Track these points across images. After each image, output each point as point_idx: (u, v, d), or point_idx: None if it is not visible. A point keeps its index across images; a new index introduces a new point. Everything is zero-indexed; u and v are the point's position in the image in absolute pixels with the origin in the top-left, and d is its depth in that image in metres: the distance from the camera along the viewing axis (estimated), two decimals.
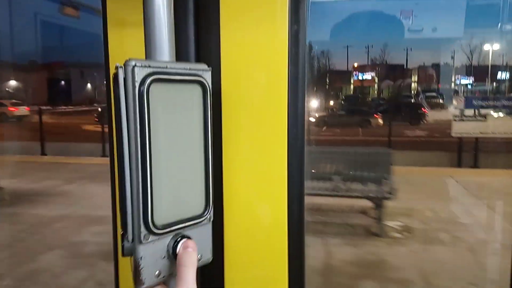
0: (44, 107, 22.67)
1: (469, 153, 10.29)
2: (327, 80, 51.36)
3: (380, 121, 20.85)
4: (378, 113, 22.79)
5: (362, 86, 58.98)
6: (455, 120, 9.22)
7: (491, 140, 9.73)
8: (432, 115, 24.54)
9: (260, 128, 0.90)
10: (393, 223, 5.65)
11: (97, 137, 13.39)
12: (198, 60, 0.90)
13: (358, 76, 59.58)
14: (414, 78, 57.59)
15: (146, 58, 0.70)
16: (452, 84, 54.20)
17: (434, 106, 32.38)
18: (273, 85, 0.88)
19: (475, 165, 10.12)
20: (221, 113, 0.91)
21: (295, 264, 0.93)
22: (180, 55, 0.86)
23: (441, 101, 37.42)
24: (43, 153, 12.65)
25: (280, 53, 0.87)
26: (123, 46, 0.94)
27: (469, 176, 8.77)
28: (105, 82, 0.94)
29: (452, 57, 53.95)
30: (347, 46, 57.57)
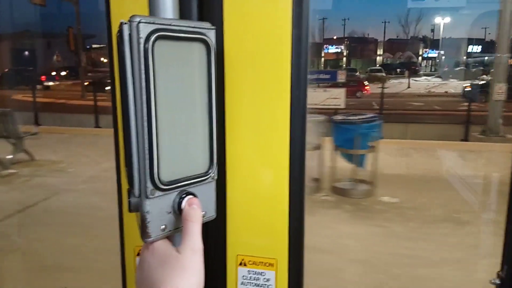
0: None
1: None
2: None
3: None
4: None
5: (333, 60, 59.24)
6: None
7: None
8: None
9: (262, 89, 0.90)
10: None
11: None
12: (201, 19, 0.89)
13: (328, 49, 59.68)
14: (380, 51, 58.26)
15: (149, 15, 0.70)
16: (420, 58, 55.20)
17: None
18: (276, 46, 0.88)
19: None
20: (224, 73, 0.91)
21: (295, 223, 0.95)
22: (183, 14, 0.84)
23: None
24: None
25: (283, 14, 0.87)
26: (125, 5, 0.92)
27: None
28: (107, 42, 0.93)
29: (432, 30, 54.69)
30: (323, 19, 57.31)
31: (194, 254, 0.62)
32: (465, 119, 11.12)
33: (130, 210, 0.66)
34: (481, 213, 5.43)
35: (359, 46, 59.29)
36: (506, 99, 11.19)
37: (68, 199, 5.95)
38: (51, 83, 28.88)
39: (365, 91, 23.27)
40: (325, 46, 59.17)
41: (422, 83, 32.87)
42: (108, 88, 2.00)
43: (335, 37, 61.08)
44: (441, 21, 49.62)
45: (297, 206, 0.94)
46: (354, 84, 23.21)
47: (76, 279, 3.74)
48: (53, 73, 32.28)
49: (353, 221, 5.29)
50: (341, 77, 12.96)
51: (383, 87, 13.52)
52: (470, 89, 21.90)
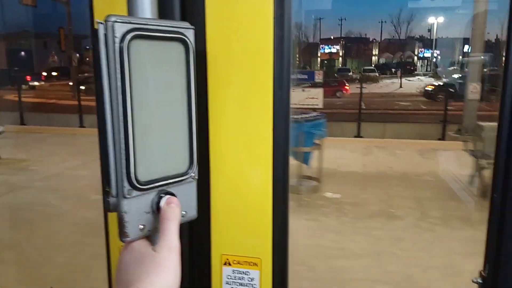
0: None
1: None
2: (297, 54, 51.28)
3: None
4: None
5: (329, 59, 59.20)
6: None
7: None
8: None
9: (245, 89, 0.91)
10: None
11: None
12: (183, 20, 0.88)
13: (324, 49, 59.66)
14: (375, 51, 58.22)
15: (128, 15, 0.70)
16: (416, 58, 55.12)
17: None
18: (258, 46, 0.89)
19: None
20: (207, 73, 0.91)
21: (279, 222, 0.96)
22: (165, 14, 0.87)
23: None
24: None
25: (265, 15, 0.87)
26: (107, 5, 0.93)
27: None
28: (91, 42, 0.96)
29: (429, 30, 54.57)
30: (319, 19, 57.36)
31: (171, 253, 0.62)
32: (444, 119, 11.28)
33: (108, 210, 0.65)
34: (417, 209, 5.57)
35: (355, 46, 59.37)
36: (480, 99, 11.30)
37: (22, 196, 6.11)
38: (36, 83, 28.90)
39: (345, 91, 23.76)
40: (321, 46, 59.20)
41: (415, 83, 32.92)
42: None
43: (332, 37, 61.10)
44: (434, 20, 49.65)
45: (280, 206, 0.95)
46: (334, 84, 24.17)
47: None
48: (44, 73, 32.34)
49: (290, 216, 5.42)
50: (318, 77, 13.15)
51: (361, 87, 13.62)
52: (431, 89, 22.90)
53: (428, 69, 51.85)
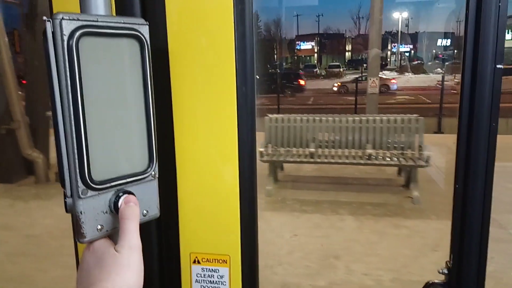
0: None
1: None
2: (275, 50, 51.38)
3: None
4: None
5: (304, 56, 59.57)
6: None
7: None
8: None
9: (209, 86, 0.90)
10: None
11: None
12: (143, 18, 0.86)
13: (300, 46, 59.99)
14: (348, 47, 58.91)
15: (81, 12, 0.68)
16: (389, 53, 55.97)
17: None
18: (220, 42, 0.88)
19: None
20: (169, 70, 0.90)
21: (247, 218, 0.96)
22: (124, 11, 0.86)
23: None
24: None
25: (225, 10, 0.87)
26: (67, 3, 0.90)
27: None
28: None
29: (407, 25, 55.45)
30: (297, 15, 57.63)
31: (132, 252, 0.62)
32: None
33: (66, 211, 0.64)
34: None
35: (329, 42, 59.82)
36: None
37: None
38: None
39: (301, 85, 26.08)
40: (297, 42, 59.48)
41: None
42: None
43: (305, 34, 61.46)
44: (399, 16, 50.74)
45: (248, 202, 0.95)
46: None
47: None
48: None
49: None
50: None
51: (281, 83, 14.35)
52: (338, 87, 26.13)
53: (402, 63, 52.70)
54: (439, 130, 12.85)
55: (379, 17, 11.31)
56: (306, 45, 59.85)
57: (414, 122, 5.82)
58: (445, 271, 0.99)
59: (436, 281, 1.01)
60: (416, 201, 5.39)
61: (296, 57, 58.50)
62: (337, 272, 3.71)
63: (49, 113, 6.55)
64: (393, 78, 26.83)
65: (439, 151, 7.89)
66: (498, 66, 0.84)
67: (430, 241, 4.28)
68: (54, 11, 0.91)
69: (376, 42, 11.30)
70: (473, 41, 0.85)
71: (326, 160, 5.85)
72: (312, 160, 5.87)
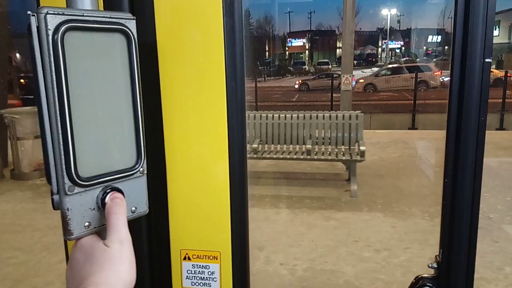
0: None
1: None
2: (267, 47, 51.38)
3: None
4: None
5: (296, 53, 59.63)
6: None
7: None
8: None
9: (198, 81, 0.89)
10: None
11: None
12: (132, 12, 0.86)
13: (292, 43, 60.05)
14: (339, 44, 59.05)
15: (67, 6, 0.67)
16: (379, 49, 56.24)
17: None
18: (208, 36, 0.87)
19: None
20: (158, 65, 0.89)
21: (238, 214, 0.95)
22: (113, 6, 0.85)
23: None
24: None
25: (214, 3, 0.86)
26: None
27: None
28: None
29: (398, 22, 55.62)
30: (289, 12, 57.62)
31: (123, 245, 0.61)
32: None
33: (54, 208, 0.63)
34: None
35: (321, 39, 59.93)
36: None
37: None
38: None
39: None
40: (288, 39, 59.53)
41: (363, 75, 33.77)
42: None
43: (295, 31, 61.51)
44: (388, 12, 51.04)
45: (239, 198, 0.94)
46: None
47: None
48: None
49: None
50: None
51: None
52: (299, 84, 27.44)
53: (393, 60, 52.97)
54: (413, 126, 13.16)
55: (352, 15, 11.39)
56: (297, 42, 59.91)
57: (354, 118, 6.02)
58: (435, 265, 0.99)
59: (425, 275, 1.01)
60: (353, 194, 5.56)
61: (288, 54, 58.52)
62: (255, 262, 3.81)
63: (2, 111, 6.64)
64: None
65: (403, 147, 8.34)
66: (487, 60, 0.85)
67: (354, 232, 4.46)
68: (41, 5, 0.89)
69: (349, 39, 11.34)
70: (462, 35, 0.85)
71: (268, 156, 6.06)
72: (255, 156, 6.05)
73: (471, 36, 0.84)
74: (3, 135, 7.17)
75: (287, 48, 59.00)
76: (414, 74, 16.88)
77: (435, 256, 1.00)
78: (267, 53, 49.48)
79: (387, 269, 3.64)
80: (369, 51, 56.79)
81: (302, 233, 4.50)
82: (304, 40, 59.06)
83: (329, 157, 5.86)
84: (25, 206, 5.54)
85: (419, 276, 1.01)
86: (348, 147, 5.99)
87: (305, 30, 60.81)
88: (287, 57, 57.65)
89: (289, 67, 41.30)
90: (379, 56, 55.88)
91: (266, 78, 32.66)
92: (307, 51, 58.90)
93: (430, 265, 1.00)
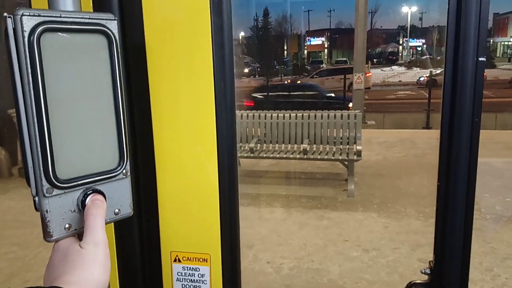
0: None
1: None
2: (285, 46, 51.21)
3: None
4: None
5: (315, 52, 59.24)
6: None
7: None
8: None
9: (186, 82, 0.89)
10: None
11: None
12: (121, 13, 0.87)
13: (310, 41, 59.68)
14: None
15: (48, 7, 0.67)
16: (400, 47, 55.38)
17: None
18: (196, 36, 0.86)
19: None
20: (147, 66, 0.89)
21: (227, 216, 0.95)
22: (101, 7, 0.85)
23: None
24: None
25: (201, 3, 0.85)
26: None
27: None
28: None
29: (420, 19, 54.73)
30: (308, 10, 57.31)
31: (97, 247, 0.61)
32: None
33: (36, 209, 0.64)
34: None
35: (340, 37, 59.38)
36: None
37: None
38: None
39: None
40: (307, 38, 59.20)
41: (382, 73, 33.23)
42: None
43: (318, 29, 61.13)
44: (408, 10, 50.26)
45: (228, 199, 0.94)
46: None
47: None
48: None
49: None
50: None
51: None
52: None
53: (413, 58, 52.13)
54: (427, 126, 12.75)
55: (364, 12, 11.26)
56: (316, 41, 59.53)
57: (352, 117, 5.93)
58: (428, 271, 0.97)
59: (418, 281, 0.99)
60: (350, 194, 5.47)
61: (306, 53, 58.21)
62: (243, 260, 3.81)
63: (11, 110, 6.82)
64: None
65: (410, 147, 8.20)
66: (481, 59, 0.82)
67: (345, 232, 4.40)
68: (32, 7, 0.90)
69: (361, 37, 11.21)
70: (455, 34, 0.83)
71: (265, 155, 6.02)
72: (252, 155, 6.02)
73: (464, 34, 0.82)
74: (12, 134, 7.41)
75: (305, 47, 58.69)
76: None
77: (429, 262, 0.98)
78: (285, 52, 49.28)
79: (373, 268, 3.61)
80: (391, 49, 56.07)
81: (293, 232, 4.47)
82: (323, 39, 58.64)
83: (325, 157, 5.78)
84: (28, 203, 5.62)
85: (412, 282, 0.99)
86: (346, 147, 5.92)
87: (324, 28, 60.43)
88: (304, 55, 57.34)
89: (305, 66, 41.06)
90: (400, 54, 55.04)
91: (282, 77, 32.57)
92: (325, 50, 58.49)
93: (423, 270, 0.98)
